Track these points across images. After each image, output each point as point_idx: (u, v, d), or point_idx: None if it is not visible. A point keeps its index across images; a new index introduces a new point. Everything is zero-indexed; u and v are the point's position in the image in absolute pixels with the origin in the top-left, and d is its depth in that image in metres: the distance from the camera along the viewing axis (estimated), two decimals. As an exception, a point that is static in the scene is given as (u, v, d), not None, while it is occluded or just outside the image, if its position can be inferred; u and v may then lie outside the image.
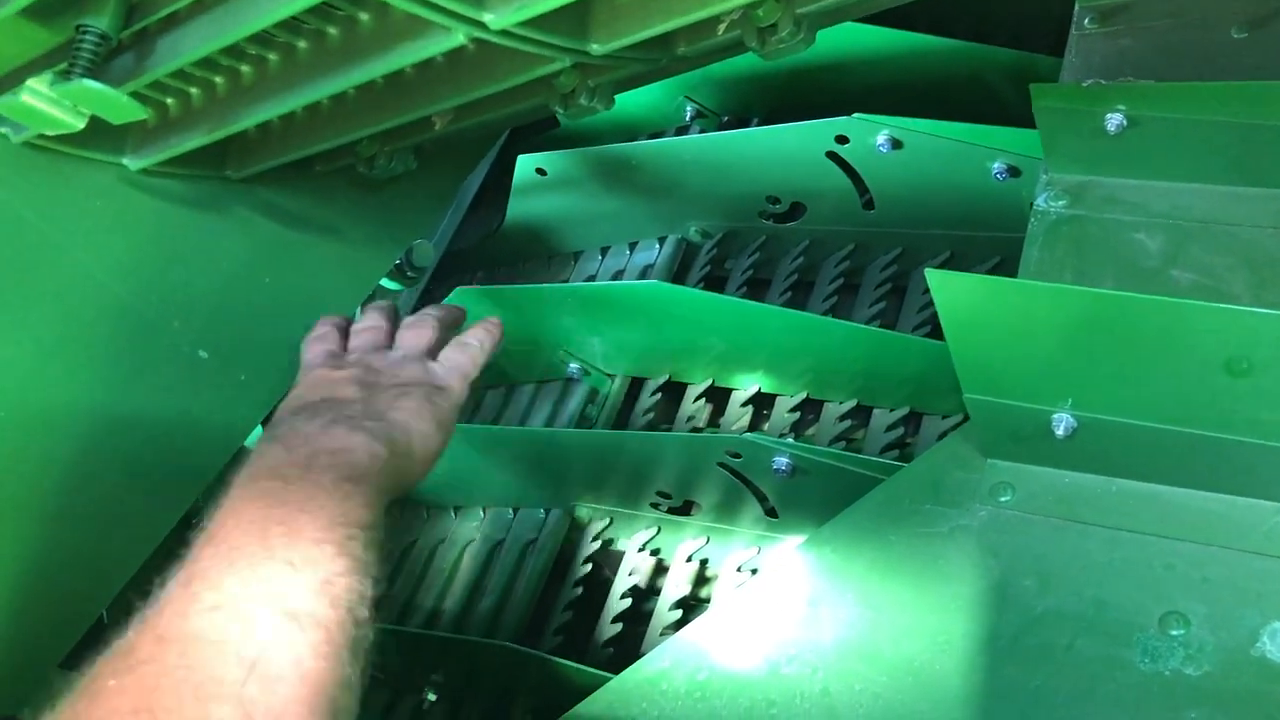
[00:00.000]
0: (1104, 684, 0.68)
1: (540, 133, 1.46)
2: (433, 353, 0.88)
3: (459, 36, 0.71)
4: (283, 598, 0.60)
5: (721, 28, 0.76)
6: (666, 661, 0.81)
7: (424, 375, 0.83)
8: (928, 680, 0.72)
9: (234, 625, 0.58)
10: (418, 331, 0.89)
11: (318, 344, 0.88)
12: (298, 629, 0.59)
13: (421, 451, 0.77)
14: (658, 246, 1.33)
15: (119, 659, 0.58)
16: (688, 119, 1.38)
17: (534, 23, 0.70)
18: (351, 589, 0.63)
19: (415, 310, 1.38)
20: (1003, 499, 0.76)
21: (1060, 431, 0.72)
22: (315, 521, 0.64)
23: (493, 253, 1.47)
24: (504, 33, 0.70)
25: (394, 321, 0.92)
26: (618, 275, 1.34)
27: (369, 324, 0.90)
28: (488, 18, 0.69)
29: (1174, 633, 0.68)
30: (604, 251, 1.38)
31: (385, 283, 1.20)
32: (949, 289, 0.71)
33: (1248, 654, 0.66)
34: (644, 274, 1.31)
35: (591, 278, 1.36)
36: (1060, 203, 0.82)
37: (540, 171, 1.32)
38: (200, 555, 0.63)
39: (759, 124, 1.29)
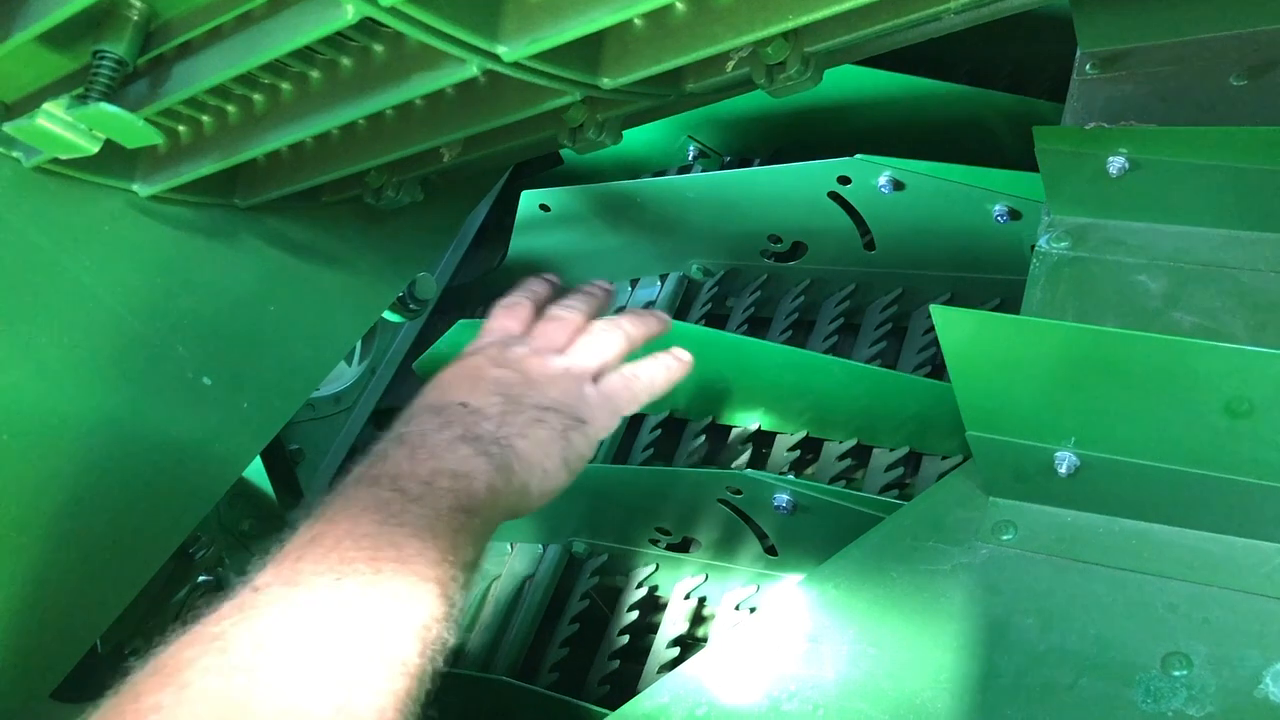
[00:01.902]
0: (1106, 724, 0.67)
1: (543, 170, 1.47)
2: (602, 371, 0.82)
3: (472, 68, 0.72)
4: (383, 637, 0.58)
5: (730, 65, 0.78)
6: (666, 697, 0.80)
7: (574, 401, 0.77)
8: (929, 718, 0.72)
9: (332, 657, 0.56)
10: (601, 342, 0.83)
11: (501, 318, 0.84)
12: (387, 675, 0.57)
13: (539, 490, 0.74)
14: (659, 284, 1.33)
15: (209, 643, 0.55)
16: (690, 158, 1.39)
17: (547, 56, 0.71)
18: (440, 638, 0.60)
19: (413, 347, 1.39)
20: (1005, 537, 0.76)
21: (1063, 470, 0.73)
22: (426, 554, 0.62)
23: (495, 288, 1.46)
24: (517, 65, 0.71)
25: (594, 310, 0.86)
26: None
27: (565, 314, 0.84)
28: (501, 50, 0.69)
29: (1176, 673, 0.67)
30: (605, 288, 1.39)
31: (388, 315, 1.20)
32: (953, 325, 0.71)
33: (1250, 695, 0.65)
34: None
35: (593, 314, 1.36)
36: (1062, 244, 0.83)
37: (544, 207, 1.33)
38: (306, 553, 0.61)
39: (761, 164, 1.31)
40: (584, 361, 0.81)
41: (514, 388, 0.75)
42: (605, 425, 0.80)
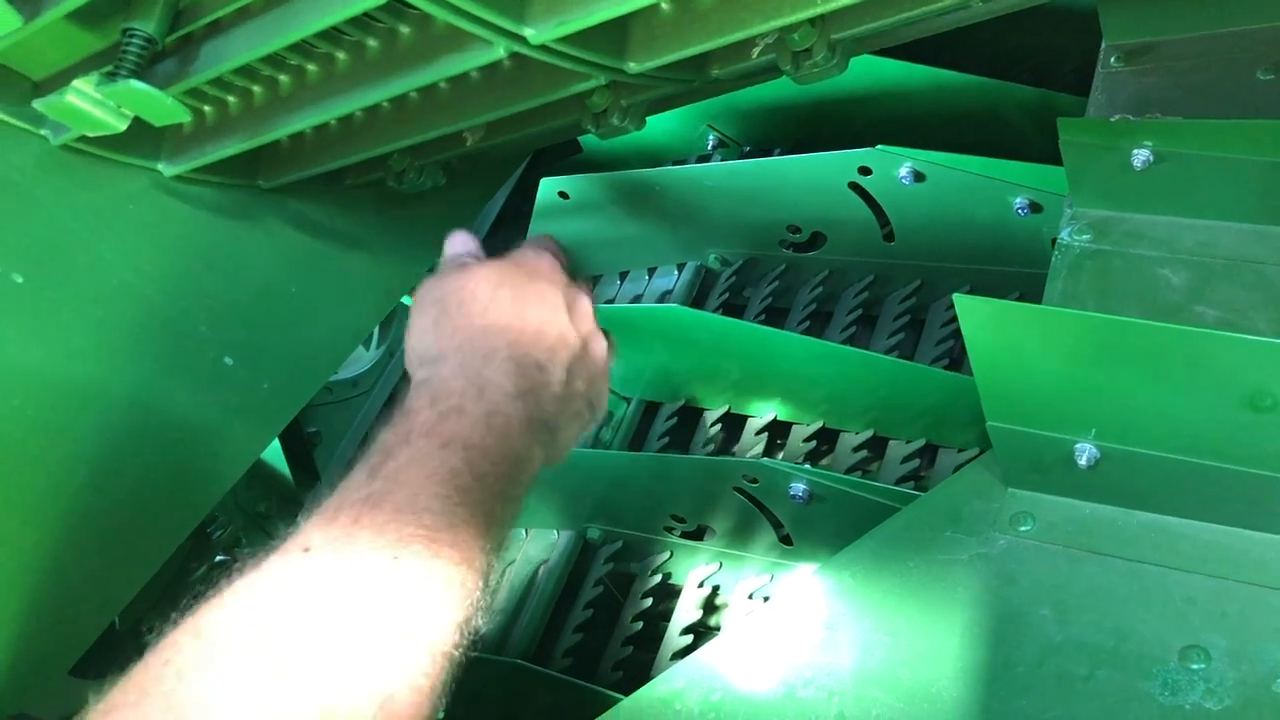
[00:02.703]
0: (1123, 716, 0.67)
1: (562, 158, 1.47)
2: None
3: (499, 50, 0.72)
4: (431, 629, 0.57)
5: (756, 51, 0.78)
6: (681, 682, 0.80)
7: (602, 400, 0.79)
8: (945, 708, 0.72)
9: (381, 649, 0.55)
10: (604, 348, 0.81)
11: (551, 251, 0.82)
12: (430, 668, 0.56)
13: (559, 458, 0.74)
14: (676, 273, 1.33)
15: (258, 599, 0.54)
16: (710, 148, 1.39)
17: (573, 39, 0.71)
18: (473, 630, 0.60)
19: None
20: (1023, 528, 0.76)
21: (1083, 461, 0.73)
22: (476, 541, 0.61)
23: (512, 275, 1.47)
24: (543, 48, 0.71)
25: None
26: (636, 300, 1.35)
27: (586, 293, 0.81)
28: (528, 32, 0.70)
29: (1194, 666, 0.67)
30: (623, 276, 1.39)
31: (407, 300, 1.20)
32: (975, 315, 0.71)
33: (1269, 689, 0.65)
34: (662, 299, 1.32)
35: (610, 302, 1.36)
36: (1084, 237, 0.83)
37: (563, 195, 1.33)
38: (364, 516, 0.58)
39: (781, 154, 1.30)
40: (606, 355, 0.81)
41: (579, 359, 0.75)
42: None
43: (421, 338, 0.74)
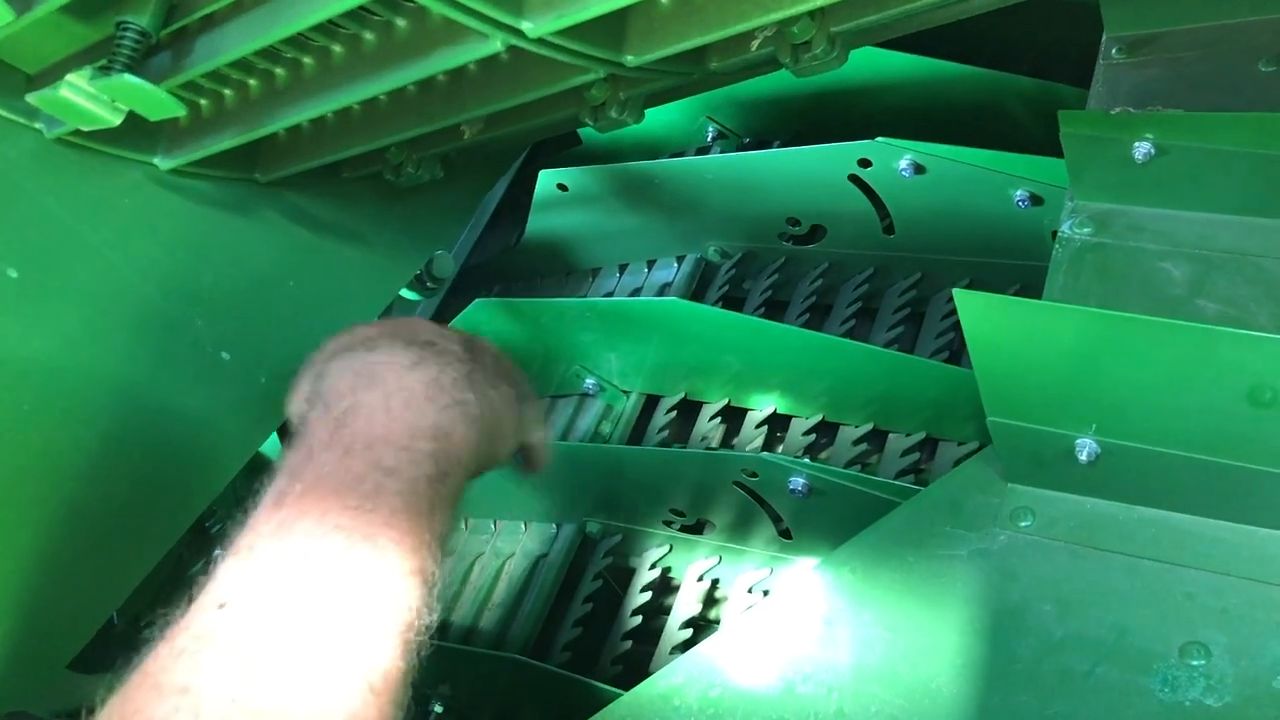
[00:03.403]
0: (1123, 712, 0.67)
1: (561, 150, 1.47)
2: None
3: (496, 44, 0.72)
4: (365, 660, 0.55)
5: (755, 43, 0.77)
6: (680, 677, 0.80)
7: (519, 375, 0.76)
8: (945, 704, 0.72)
9: (313, 693, 0.53)
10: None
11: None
12: (372, 699, 0.54)
13: (497, 452, 0.71)
14: (676, 265, 1.33)
15: (166, 689, 0.52)
16: (709, 139, 1.39)
17: (571, 32, 0.71)
18: (422, 628, 0.58)
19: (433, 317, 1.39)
20: (1023, 524, 0.76)
21: (1084, 457, 0.72)
22: (404, 542, 0.58)
23: (510, 267, 1.47)
24: (541, 41, 0.71)
25: None
26: (635, 293, 1.34)
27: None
28: (526, 25, 0.69)
29: (1194, 663, 0.67)
30: (622, 269, 1.38)
31: (404, 293, 1.20)
32: (975, 309, 0.71)
33: (1269, 686, 0.65)
34: (662, 292, 1.31)
35: (609, 294, 1.36)
36: (1085, 230, 0.82)
37: (561, 187, 1.32)
38: (275, 552, 0.56)
39: (780, 146, 1.30)
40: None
41: (473, 341, 0.73)
42: (538, 422, 0.78)
43: (297, 390, 0.72)
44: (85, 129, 0.81)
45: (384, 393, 0.64)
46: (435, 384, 0.66)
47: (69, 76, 0.74)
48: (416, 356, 0.67)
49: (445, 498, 0.63)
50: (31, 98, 0.79)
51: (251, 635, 0.54)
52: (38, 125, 0.86)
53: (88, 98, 0.75)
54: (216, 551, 1.25)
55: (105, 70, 0.74)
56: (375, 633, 0.56)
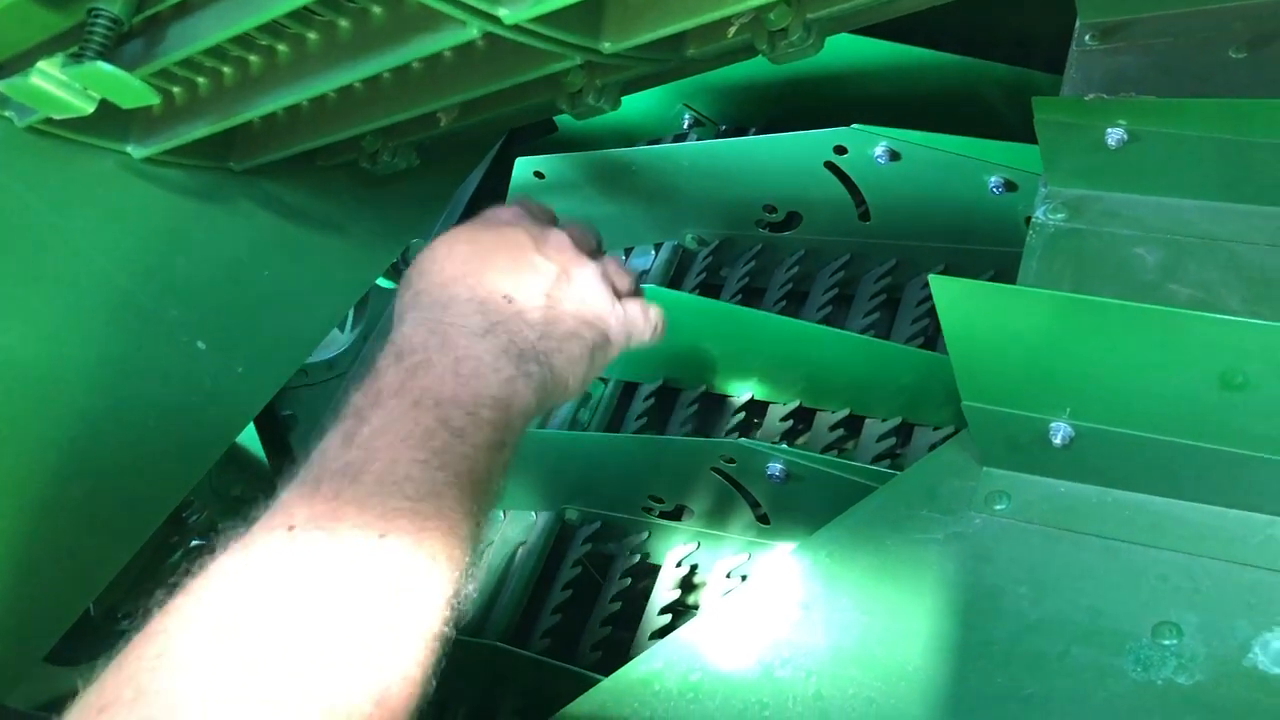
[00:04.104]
0: (1096, 692, 0.68)
1: (538, 137, 1.46)
2: (623, 294, 0.78)
3: (472, 30, 0.71)
4: (422, 612, 0.55)
5: (732, 30, 0.77)
6: (659, 663, 0.81)
7: (606, 314, 0.74)
8: (921, 686, 0.72)
9: (376, 640, 0.53)
10: (620, 273, 0.79)
11: (524, 207, 0.78)
12: (420, 658, 0.54)
13: (556, 403, 0.71)
14: (653, 253, 1.33)
15: (247, 585, 0.52)
16: (686, 127, 1.38)
17: (547, 19, 0.71)
18: (463, 601, 0.58)
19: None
20: (998, 507, 0.77)
21: (1058, 440, 0.73)
22: (463, 504, 0.58)
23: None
24: (517, 28, 0.71)
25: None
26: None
27: (579, 227, 0.79)
28: (502, 12, 0.69)
29: (1166, 642, 0.68)
30: (599, 256, 1.38)
31: (382, 282, 1.20)
32: (950, 295, 0.71)
33: (1239, 664, 0.66)
34: (639, 279, 1.31)
35: (586, 282, 1.36)
36: (1059, 216, 0.83)
37: (538, 175, 1.32)
38: (345, 491, 0.56)
39: (757, 133, 1.30)
40: (614, 274, 0.78)
41: (558, 285, 0.71)
42: (618, 351, 0.77)
43: (395, 308, 0.72)
44: (57, 117, 0.80)
45: (455, 355, 0.64)
46: (504, 354, 0.66)
47: (40, 64, 0.73)
48: (489, 319, 0.67)
49: (501, 466, 0.64)
50: (2, 86, 0.78)
51: (319, 567, 0.54)
52: (8, 114, 0.85)
53: (59, 85, 0.74)
54: (195, 541, 1.26)
55: (77, 58, 0.73)
56: (430, 592, 0.56)
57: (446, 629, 0.57)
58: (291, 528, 0.55)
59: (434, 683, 0.56)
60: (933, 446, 1.00)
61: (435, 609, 0.56)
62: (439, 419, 0.61)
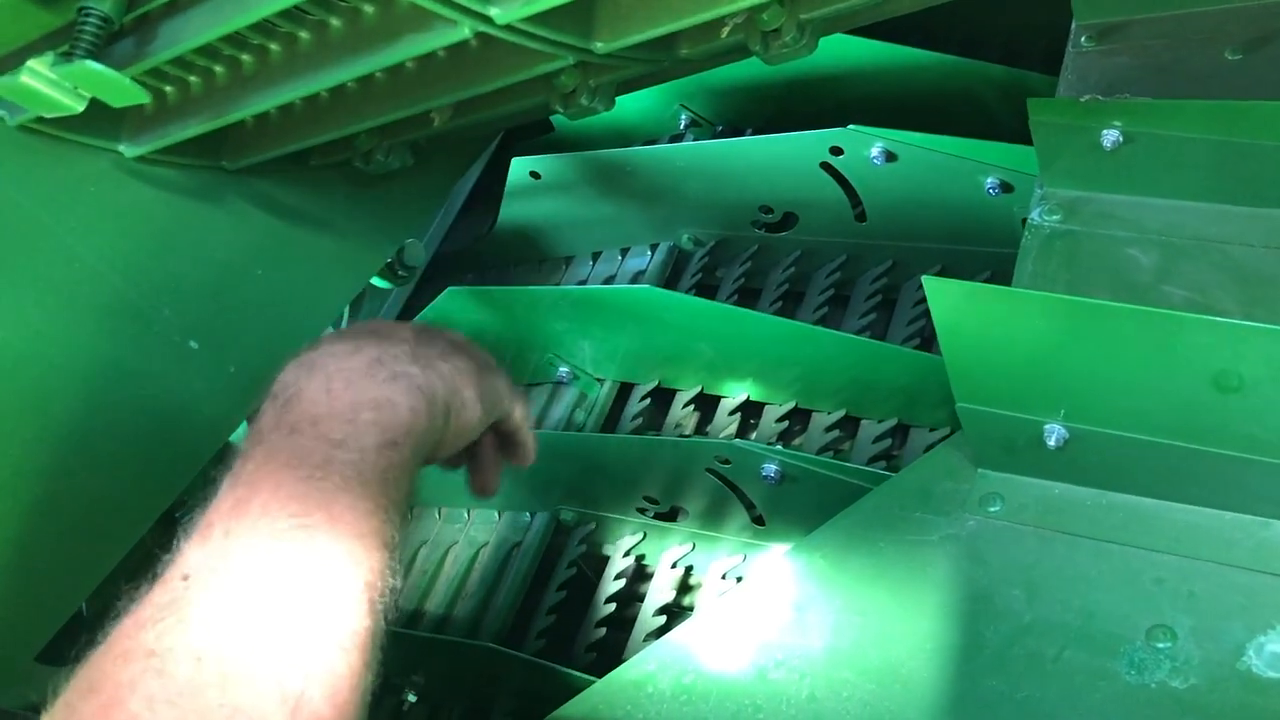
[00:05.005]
0: (1090, 695, 0.68)
1: (534, 137, 1.46)
2: None
3: (464, 30, 0.71)
4: (328, 613, 0.56)
5: (725, 31, 0.77)
6: (653, 664, 0.81)
7: (481, 352, 0.76)
8: (915, 688, 0.72)
9: (279, 651, 0.54)
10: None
11: None
12: (340, 654, 0.55)
13: (458, 421, 0.71)
14: (650, 253, 1.33)
15: (146, 660, 0.52)
16: (682, 127, 1.38)
17: (539, 19, 0.71)
18: (385, 590, 0.59)
19: (402, 314, 1.39)
20: (992, 509, 0.77)
21: (1052, 442, 0.73)
22: (358, 505, 0.59)
23: (483, 255, 1.47)
24: (509, 28, 0.70)
25: None
26: (609, 281, 1.34)
27: None
28: (494, 12, 0.69)
29: (1160, 645, 0.68)
30: (595, 257, 1.38)
31: (376, 281, 1.19)
32: (945, 296, 0.71)
33: (1233, 667, 0.66)
34: (635, 280, 1.31)
35: (583, 282, 1.36)
36: (1054, 217, 0.83)
37: (534, 175, 1.32)
38: (233, 525, 0.57)
39: (753, 134, 1.30)
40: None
41: (422, 330, 0.74)
42: (509, 393, 0.78)
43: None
44: (48, 116, 0.79)
45: (325, 376, 0.65)
46: (376, 362, 0.67)
47: (30, 63, 0.73)
48: (356, 344, 0.68)
49: (399, 464, 0.64)
50: (-8, 84, 0.78)
51: (216, 601, 0.55)
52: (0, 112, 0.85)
53: (50, 84, 0.74)
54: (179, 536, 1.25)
55: (67, 56, 0.72)
56: (338, 592, 0.57)
57: (371, 621, 0.58)
58: (186, 576, 0.56)
59: (371, 676, 0.57)
60: (929, 448, 1.00)
61: (347, 607, 0.57)
62: (317, 436, 0.62)
